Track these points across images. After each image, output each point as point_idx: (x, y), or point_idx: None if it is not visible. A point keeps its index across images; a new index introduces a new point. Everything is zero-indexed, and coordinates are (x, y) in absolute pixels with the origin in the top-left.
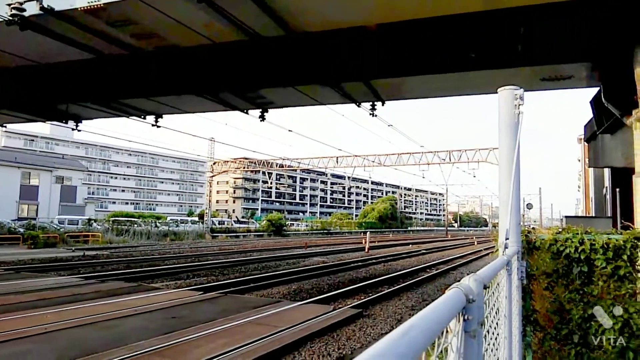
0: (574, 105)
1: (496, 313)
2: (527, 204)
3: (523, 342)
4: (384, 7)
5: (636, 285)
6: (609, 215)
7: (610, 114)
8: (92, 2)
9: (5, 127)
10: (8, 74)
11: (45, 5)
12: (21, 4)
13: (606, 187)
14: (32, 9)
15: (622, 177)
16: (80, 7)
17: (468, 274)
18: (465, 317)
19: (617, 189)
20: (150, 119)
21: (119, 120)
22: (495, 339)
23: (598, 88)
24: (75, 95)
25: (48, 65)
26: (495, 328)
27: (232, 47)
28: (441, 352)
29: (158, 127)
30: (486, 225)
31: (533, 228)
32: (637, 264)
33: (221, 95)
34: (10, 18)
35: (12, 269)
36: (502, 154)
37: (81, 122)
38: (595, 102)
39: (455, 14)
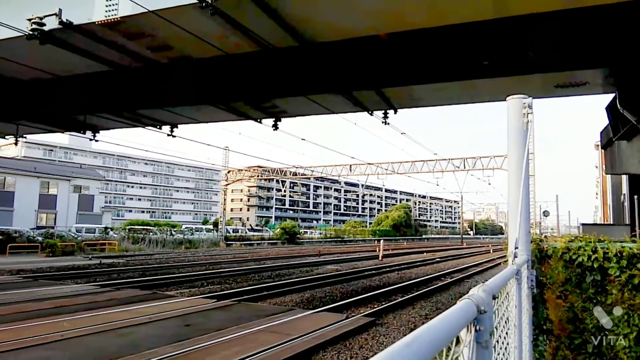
0: (591, 111)
1: (506, 322)
2: (543, 212)
3: (536, 352)
4: (396, 16)
5: None
6: (627, 222)
7: (626, 121)
8: (109, 16)
9: (25, 137)
10: (28, 86)
11: (64, 20)
12: (41, 18)
13: (624, 194)
14: (51, 24)
15: (639, 184)
16: (98, 21)
17: (483, 282)
18: (477, 328)
19: (635, 196)
20: (166, 128)
21: (135, 130)
22: (505, 348)
23: (614, 94)
24: (93, 107)
25: (66, 77)
26: (505, 337)
27: (245, 58)
28: None
29: (173, 136)
30: (502, 233)
31: (545, 236)
32: None
33: (235, 105)
34: (31, 32)
35: (31, 276)
36: (511, 163)
37: (99, 132)
38: (611, 109)
39: (467, 22)
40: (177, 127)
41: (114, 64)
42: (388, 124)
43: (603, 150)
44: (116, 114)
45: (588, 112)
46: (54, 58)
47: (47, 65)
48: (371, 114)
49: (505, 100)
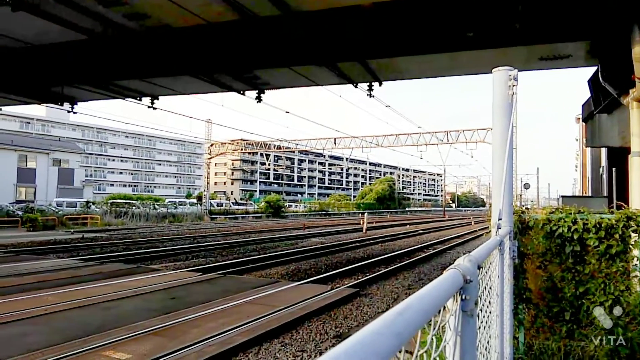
0: (573, 84)
1: (489, 292)
2: (524, 184)
3: (515, 319)
4: None
5: (627, 264)
6: (605, 194)
7: (607, 94)
8: None
9: (0, 109)
10: (0, 56)
11: None
12: None
13: (603, 166)
14: None
15: (618, 156)
16: None
17: (464, 254)
18: (463, 297)
19: (614, 169)
20: (146, 100)
21: (115, 102)
22: (488, 316)
23: (596, 67)
24: (70, 77)
25: (41, 47)
26: (487, 306)
27: (227, 27)
28: (438, 329)
29: (154, 108)
30: (484, 206)
31: (527, 208)
32: (628, 242)
33: (217, 76)
34: None
35: (12, 251)
36: (495, 135)
37: (77, 104)
38: (593, 82)
39: None
40: (157, 99)
41: (91, 33)
42: (373, 96)
43: (584, 124)
44: (94, 84)
45: (570, 85)
46: (28, 26)
47: (20, 34)
48: (356, 87)
49: (489, 73)
